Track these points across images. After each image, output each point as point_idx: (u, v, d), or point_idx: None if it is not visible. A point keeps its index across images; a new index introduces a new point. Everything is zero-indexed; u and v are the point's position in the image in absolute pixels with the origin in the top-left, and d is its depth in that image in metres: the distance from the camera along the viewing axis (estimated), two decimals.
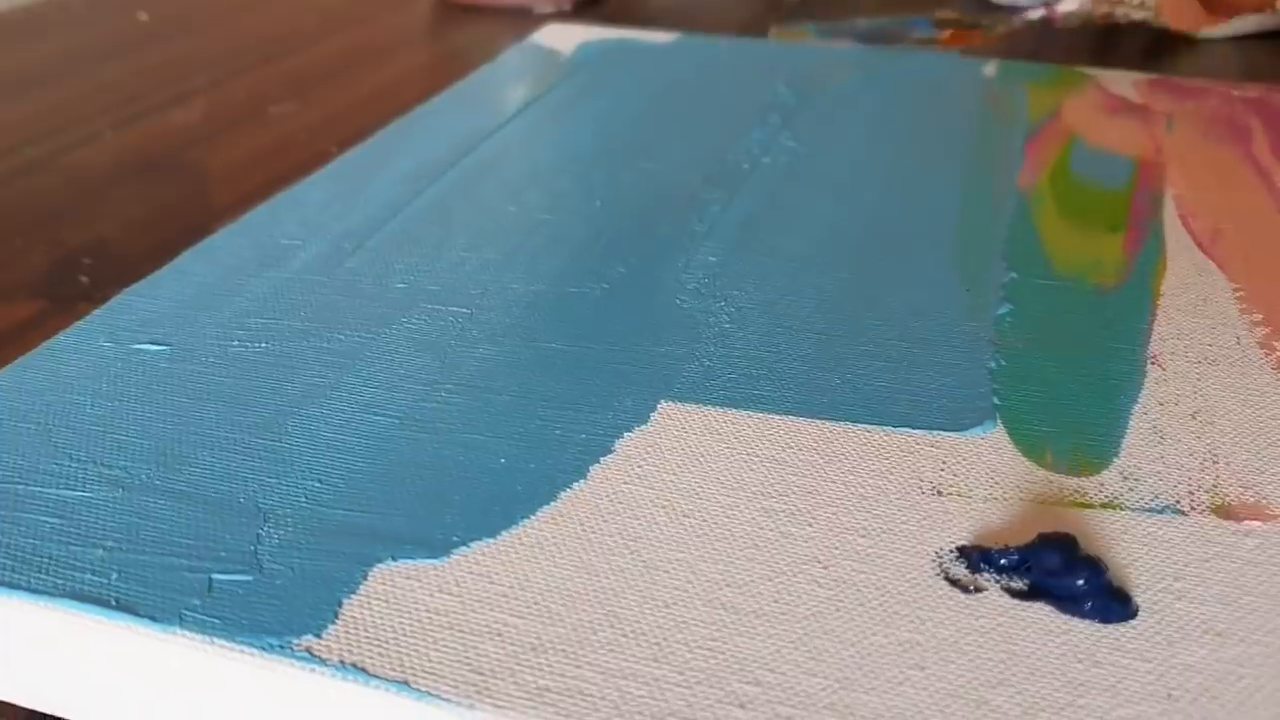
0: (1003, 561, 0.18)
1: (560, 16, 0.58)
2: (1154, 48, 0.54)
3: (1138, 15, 0.32)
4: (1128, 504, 0.20)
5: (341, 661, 0.16)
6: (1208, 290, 0.27)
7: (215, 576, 0.18)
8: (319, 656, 0.16)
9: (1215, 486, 0.20)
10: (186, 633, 0.17)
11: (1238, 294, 0.27)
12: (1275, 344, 0.25)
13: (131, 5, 0.59)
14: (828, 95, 0.39)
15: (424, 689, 0.16)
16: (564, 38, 0.46)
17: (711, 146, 0.35)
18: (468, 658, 0.17)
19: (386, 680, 0.16)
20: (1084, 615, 0.17)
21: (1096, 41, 0.56)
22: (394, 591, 0.18)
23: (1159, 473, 0.21)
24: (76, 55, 0.51)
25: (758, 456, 0.21)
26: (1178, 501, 0.20)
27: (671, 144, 0.35)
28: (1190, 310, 0.26)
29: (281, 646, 0.17)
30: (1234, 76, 0.50)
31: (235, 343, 0.24)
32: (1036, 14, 0.36)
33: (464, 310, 0.26)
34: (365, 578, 0.18)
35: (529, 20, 0.56)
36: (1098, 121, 0.37)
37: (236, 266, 0.27)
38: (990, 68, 0.42)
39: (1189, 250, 0.29)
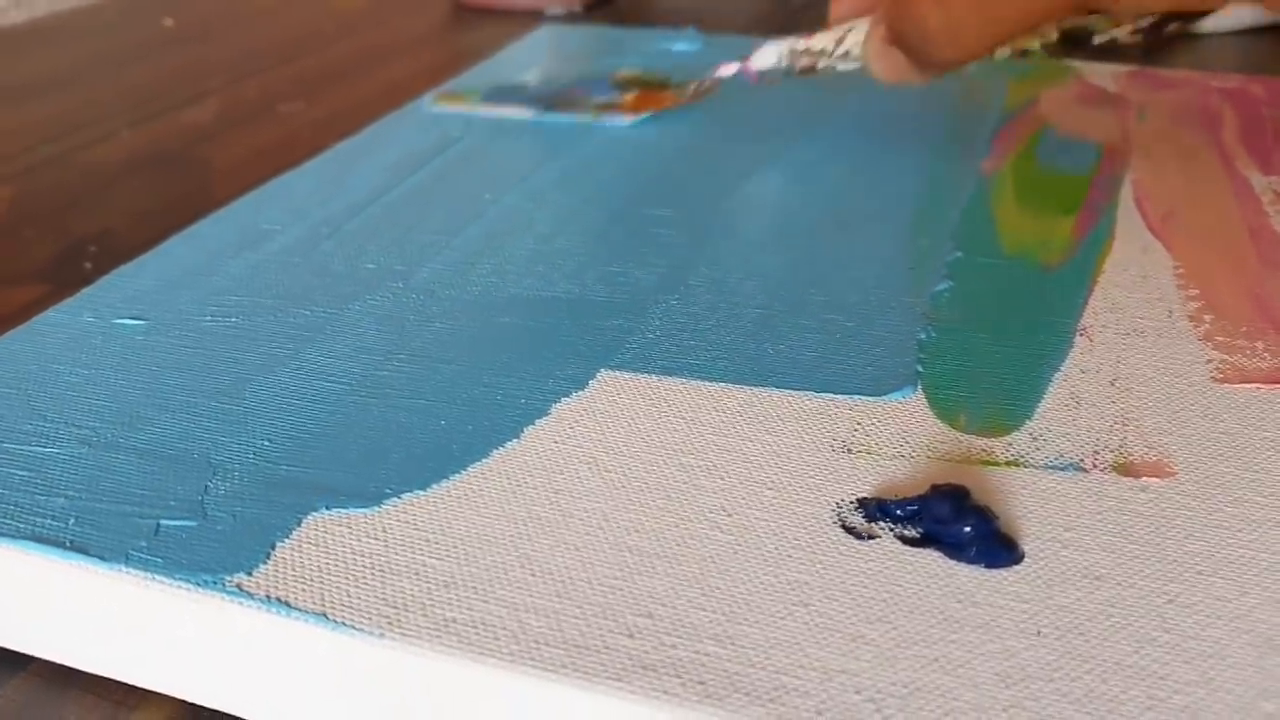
0: (898, 511, 0.19)
1: (570, 18, 0.60)
2: (1155, 45, 0.55)
3: (844, 67, 0.31)
4: (1032, 462, 0.21)
5: (268, 596, 0.18)
6: (1150, 268, 0.28)
7: (163, 522, 0.19)
8: (247, 591, 0.18)
9: (1121, 447, 0.21)
10: (131, 570, 0.18)
11: (1178, 271, 0.28)
12: (1206, 317, 0.26)
13: (159, 11, 0.61)
14: (807, 86, 0.40)
15: (340, 620, 0.17)
16: (558, 37, 0.47)
17: (681, 136, 0.36)
18: (385, 594, 0.18)
19: (306, 613, 0.17)
20: (970, 560, 0.18)
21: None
22: (325, 536, 0.19)
23: (1068, 434, 0.22)
24: (103, 58, 0.53)
25: (684, 419, 0.22)
26: (1081, 460, 0.21)
27: (645, 134, 0.36)
28: (1128, 286, 0.27)
29: (214, 582, 0.18)
30: (1231, 70, 0.50)
31: (208, 318, 0.26)
32: (730, 71, 0.34)
33: (426, 289, 0.27)
34: (299, 524, 0.19)
35: (541, 21, 0.58)
36: (1071, 111, 0.38)
37: (218, 249, 0.29)
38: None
39: (1138, 231, 0.30)
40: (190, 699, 0.19)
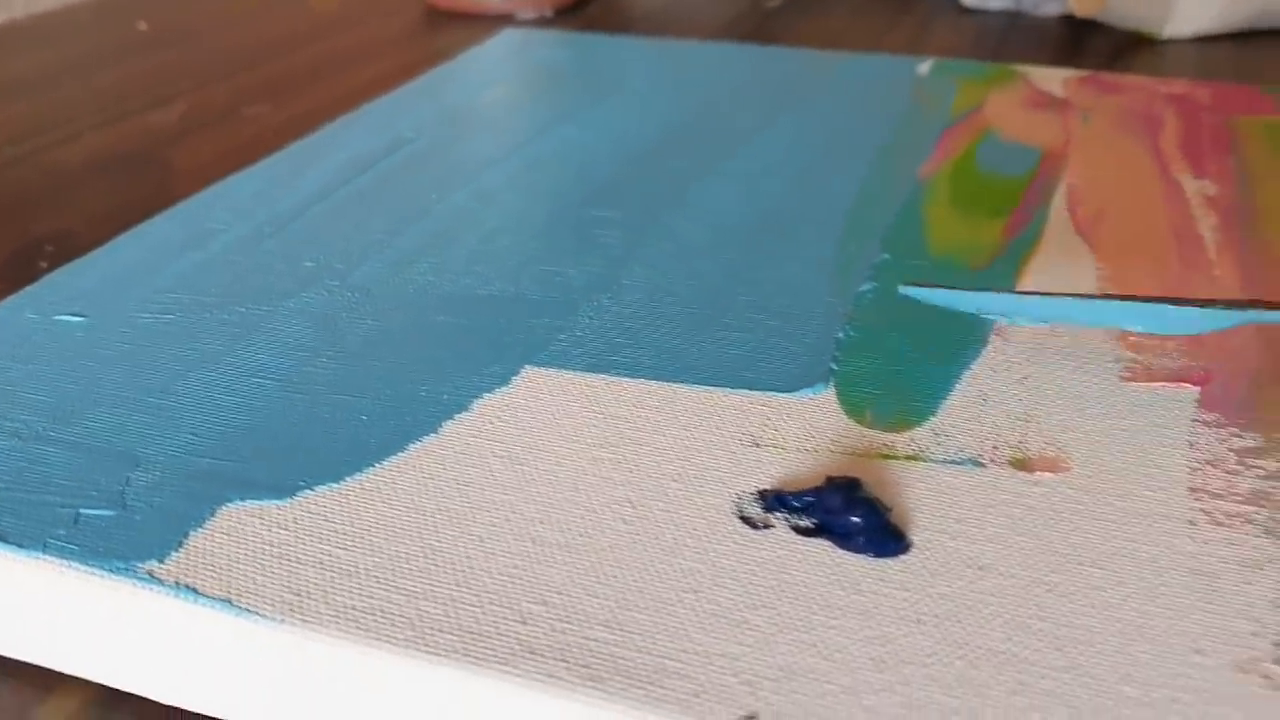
0: (794, 503, 0.20)
1: (540, 22, 0.60)
2: (1120, 49, 0.55)
3: None
4: (931, 456, 0.21)
5: (177, 583, 0.18)
6: (1073, 270, 0.28)
7: (82, 511, 0.20)
8: (158, 578, 0.18)
9: (1020, 443, 0.22)
10: (48, 557, 0.19)
11: (1100, 273, 0.28)
12: None
13: (134, 14, 0.62)
14: (755, 95, 0.41)
15: (244, 606, 0.18)
16: (521, 42, 0.48)
17: (633, 142, 0.37)
18: (289, 582, 0.18)
19: (212, 599, 0.18)
20: (858, 550, 0.19)
21: (1064, 43, 0.57)
22: (237, 527, 0.20)
23: (970, 430, 0.22)
24: (74, 60, 0.54)
25: (601, 414, 0.23)
26: (979, 455, 0.21)
27: (599, 139, 0.37)
28: (1048, 287, 0.27)
29: (127, 569, 0.19)
30: (1191, 74, 0.51)
31: (147, 315, 0.26)
32: None
33: (363, 287, 0.28)
34: (213, 515, 0.20)
35: (512, 25, 0.59)
36: (1016, 115, 0.39)
37: (163, 248, 0.29)
38: (925, 66, 0.43)
39: (1066, 233, 0.30)
40: (105, 682, 0.19)
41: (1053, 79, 0.42)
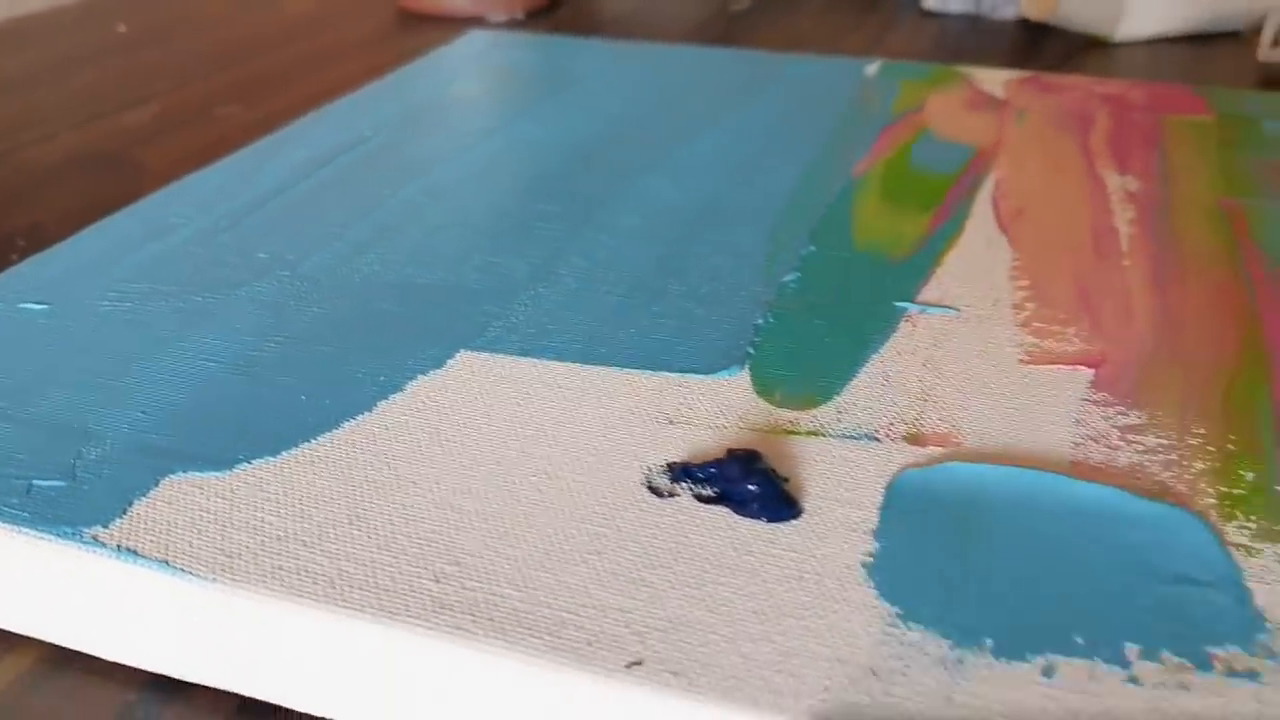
0: (698, 474, 0.21)
1: (511, 24, 0.62)
2: (1074, 51, 0.57)
3: None
4: (831, 432, 0.23)
5: (119, 546, 0.20)
6: (989, 261, 0.30)
7: (35, 482, 0.21)
8: (101, 542, 0.20)
9: (916, 420, 0.23)
10: (1, 524, 0.20)
11: (1014, 264, 0.30)
12: (1029, 305, 0.28)
13: (114, 17, 0.63)
14: (706, 95, 0.42)
15: (180, 566, 0.19)
16: (485, 44, 0.49)
17: (582, 139, 0.38)
18: (223, 545, 0.20)
19: (151, 559, 0.20)
20: (753, 515, 0.20)
21: (1020, 45, 0.58)
22: (177, 496, 0.21)
23: (871, 408, 0.24)
24: (53, 62, 0.55)
25: (529, 394, 0.24)
26: (876, 431, 0.23)
27: (549, 136, 0.38)
28: (963, 277, 0.29)
29: (73, 534, 0.20)
30: (1141, 76, 0.52)
31: (105, 303, 0.28)
32: None
33: (312, 276, 0.29)
34: (156, 485, 0.21)
35: (483, 28, 0.60)
36: (954, 114, 0.40)
37: (124, 240, 0.31)
38: (873, 67, 0.45)
39: (987, 227, 0.32)
40: (57, 641, 0.21)
41: (994, 80, 0.43)
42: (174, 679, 0.20)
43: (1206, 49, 0.58)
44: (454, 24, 0.61)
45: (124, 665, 0.21)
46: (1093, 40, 0.59)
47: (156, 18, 0.64)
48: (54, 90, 0.51)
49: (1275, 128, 0.39)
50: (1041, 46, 0.58)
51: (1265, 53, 0.52)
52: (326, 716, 0.19)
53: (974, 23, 0.63)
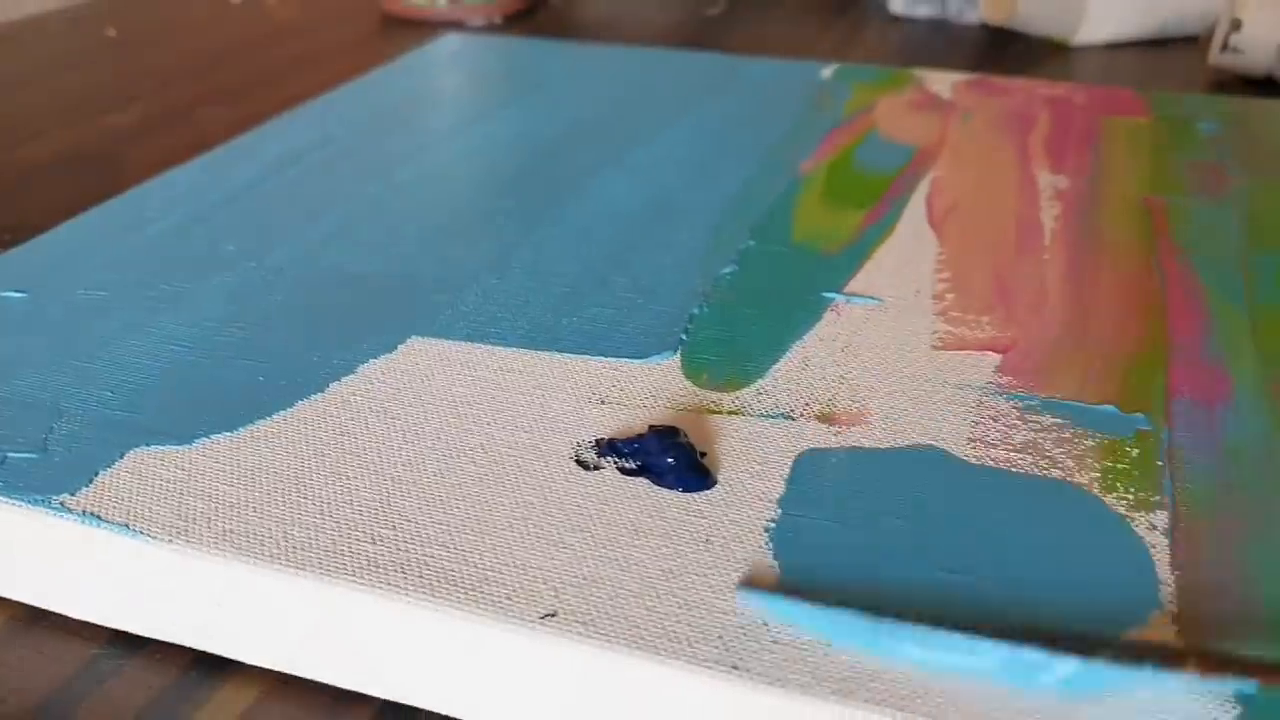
0: (623, 449, 0.23)
1: (490, 28, 0.64)
2: (1035, 55, 0.59)
3: None
4: (750, 411, 0.25)
5: (84, 511, 0.22)
6: (916, 255, 0.32)
7: (9, 455, 0.23)
8: (68, 507, 0.22)
9: (830, 400, 0.25)
10: None
11: (940, 258, 0.31)
12: (949, 295, 0.29)
13: (105, 21, 0.65)
14: (666, 96, 0.44)
15: (139, 529, 0.21)
16: (459, 47, 0.51)
17: (543, 138, 0.40)
18: (179, 511, 0.22)
19: (113, 523, 0.21)
20: (670, 485, 0.22)
21: (983, 49, 0.60)
22: (140, 467, 0.23)
23: (789, 390, 0.25)
24: (44, 64, 0.57)
25: (472, 377, 0.26)
26: (792, 410, 0.25)
27: (512, 136, 0.40)
28: (891, 270, 0.31)
29: (43, 501, 0.22)
30: (1096, 79, 0.54)
31: (81, 291, 0.30)
32: None
33: (277, 268, 0.31)
34: (121, 457, 0.23)
35: (460, 32, 0.62)
36: (901, 115, 0.42)
37: (102, 233, 0.33)
38: (828, 71, 0.47)
39: (918, 223, 0.33)
40: (28, 601, 0.23)
41: (943, 82, 0.45)
42: (134, 634, 0.22)
43: (1163, 53, 0.59)
44: (435, 28, 0.63)
45: (89, 622, 0.22)
46: (1053, 45, 0.60)
47: (146, 23, 0.66)
48: (42, 91, 0.53)
49: (1208, 129, 0.41)
50: (1003, 51, 0.60)
51: (1215, 57, 0.54)
52: (273, 668, 0.21)
53: (939, 27, 0.65)
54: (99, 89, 0.53)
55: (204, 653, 0.22)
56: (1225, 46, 0.53)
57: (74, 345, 0.27)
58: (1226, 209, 0.34)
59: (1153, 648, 0.18)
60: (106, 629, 0.22)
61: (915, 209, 0.34)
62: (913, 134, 0.40)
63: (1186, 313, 0.29)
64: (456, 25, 0.64)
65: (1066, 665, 0.18)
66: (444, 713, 0.20)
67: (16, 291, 0.30)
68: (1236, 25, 0.52)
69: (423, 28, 0.63)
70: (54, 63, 0.58)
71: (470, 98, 0.44)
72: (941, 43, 0.62)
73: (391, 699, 0.20)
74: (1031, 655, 0.18)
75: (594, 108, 0.43)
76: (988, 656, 0.18)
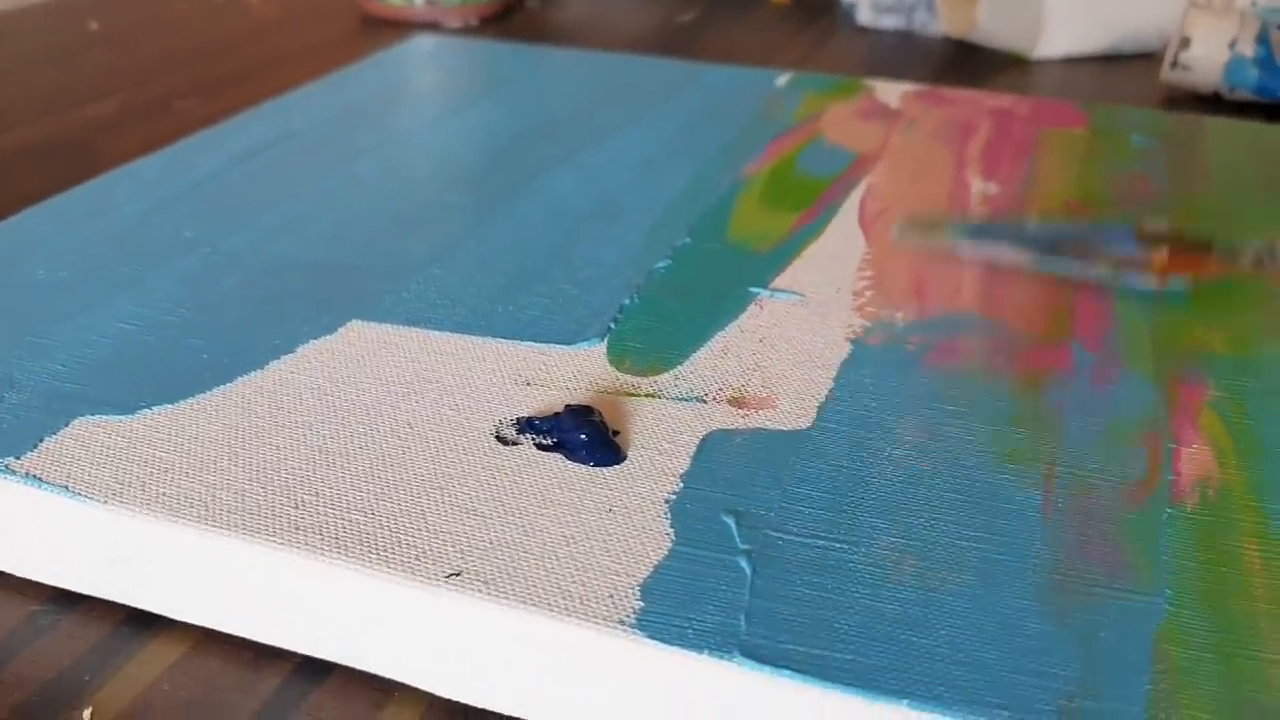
0: (541, 426, 0.25)
1: (465, 30, 0.65)
2: (995, 68, 0.60)
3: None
4: (665, 395, 0.26)
5: (27, 474, 0.23)
6: (843, 254, 0.33)
7: None
8: (12, 470, 0.23)
9: (742, 386, 0.27)
10: None
11: (865, 258, 0.33)
12: (868, 292, 0.31)
13: (87, 15, 0.67)
14: (623, 100, 0.46)
15: (78, 490, 0.23)
16: (430, 48, 0.52)
17: (499, 138, 0.41)
18: (118, 475, 0.23)
19: (53, 484, 0.23)
20: (581, 460, 0.24)
21: (945, 61, 0.62)
22: (84, 435, 0.24)
23: (705, 376, 0.27)
24: (23, 58, 0.59)
25: (406, 358, 0.27)
26: (705, 394, 0.26)
27: (469, 134, 0.41)
28: (816, 268, 0.32)
29: None
30: (1052, 93, 0.56)
31: (42, 272, 0.31)
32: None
33: (232, 254, 0.32)
34: (66, 425, 0.25)
35: (440, 32, 0.63)
36: (848, 123, 0.43)
37: (68, 219, 0.34)
38: (783, 79, 0.48)
39: (849, 225, 0.35)
40: None
41: (893, 92, 0.47)
42: (73, 591, 0.23)
43: (1119, 69, 0.61)
44: (413, 29, 0.65)
45: (31, 580, 0.24)
46: (1013, 58, 0.62)
47: (129, 18, 0.67)
48: (20, 84, 0.54)
49: (1140, 141, 0.42)
50: (964, 62, 0.62)
51: (1166, 73, 0.55)
52: (200, 624, 0.22)
53: (905, 38, 0.66)
54: (79, 81, 0.55)
55: (136, 609, 0.23)
56: (1175, 64, 0.54)
57: (30, 322, 0.28)
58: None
59: None
60: (47, 587, 0.24)
61: (848, 212, 0.36)
62: (856, 141, 0.41)
63: (1092, 315, 0.30)
64: (434, 26, 0.65)
65: None
66: (357, 667, 0.21)
67: None
68: (1185, 43, 0.54)
69: (401, 28, 0.65)
70: (34, 55, 0.59)
71: (436, 97, 0.46)
72: (905, 54, 0.63)
73: (310, 654, 0.22)
74: None
75: (555, 110, 0.44)
76: None
